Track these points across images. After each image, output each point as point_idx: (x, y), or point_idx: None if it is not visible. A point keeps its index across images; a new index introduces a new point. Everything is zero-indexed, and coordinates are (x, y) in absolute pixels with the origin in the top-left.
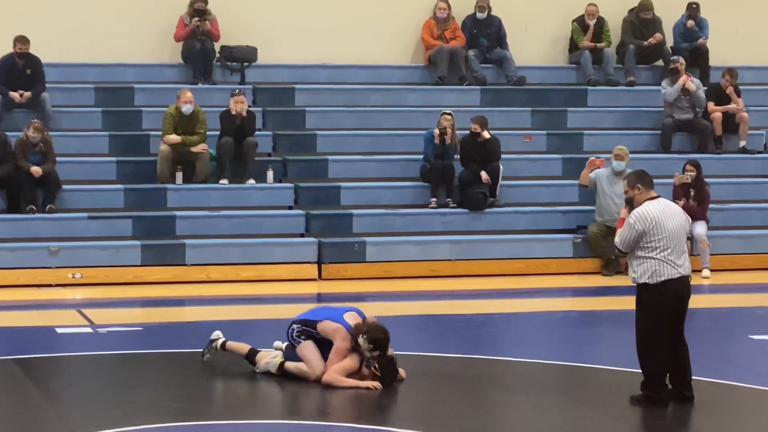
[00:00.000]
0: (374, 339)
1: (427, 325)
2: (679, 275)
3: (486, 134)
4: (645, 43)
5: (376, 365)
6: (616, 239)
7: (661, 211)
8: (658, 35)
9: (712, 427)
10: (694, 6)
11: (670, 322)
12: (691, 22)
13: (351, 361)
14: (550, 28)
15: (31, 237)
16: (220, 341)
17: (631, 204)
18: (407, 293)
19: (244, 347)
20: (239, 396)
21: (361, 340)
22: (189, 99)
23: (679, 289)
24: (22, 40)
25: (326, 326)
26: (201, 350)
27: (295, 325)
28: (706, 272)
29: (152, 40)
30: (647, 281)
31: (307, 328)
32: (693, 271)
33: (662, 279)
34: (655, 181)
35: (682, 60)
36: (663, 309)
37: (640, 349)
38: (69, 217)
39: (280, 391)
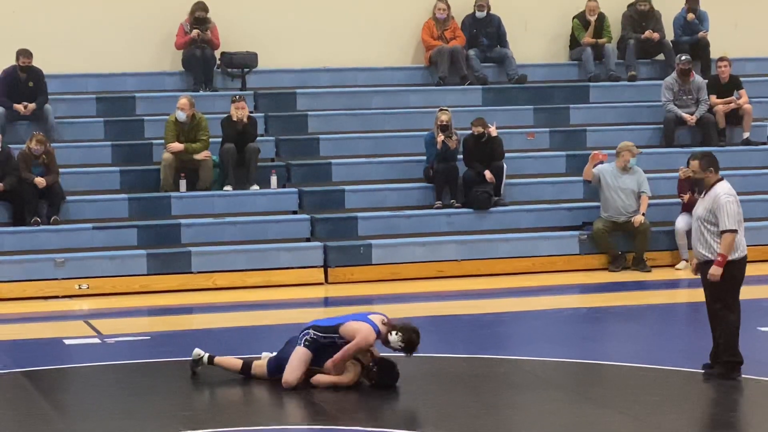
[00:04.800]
0: (409, 339)
1: (436, 326)
2: (745, 252)
3: (493, 131)
4: (642, 36)
5: (375, 370)
6: (722, 226)
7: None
8: (655, 34)
9: (721, 420)
10: None
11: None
12: (691, 15)
13: (346, 377)
14: (550, 25)
15: (37, 249)
16: (205, 356)
17: (699, 186)
18: (414, 295)
19: (236, 363)
20: (249, 403)
21: (393, 336)
22: (182, 106)
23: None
24: (25, 54)
25: (349, 326)
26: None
27: (311, 330)
28: (682, 264)
29: (152, 49)
30: (735, 257)
31: (321, 335)
32: (669, 265)
33: (743, 253)
34: (658, 175)
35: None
36: (741, 280)
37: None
38: (74, 228)
39: (291, 398)
